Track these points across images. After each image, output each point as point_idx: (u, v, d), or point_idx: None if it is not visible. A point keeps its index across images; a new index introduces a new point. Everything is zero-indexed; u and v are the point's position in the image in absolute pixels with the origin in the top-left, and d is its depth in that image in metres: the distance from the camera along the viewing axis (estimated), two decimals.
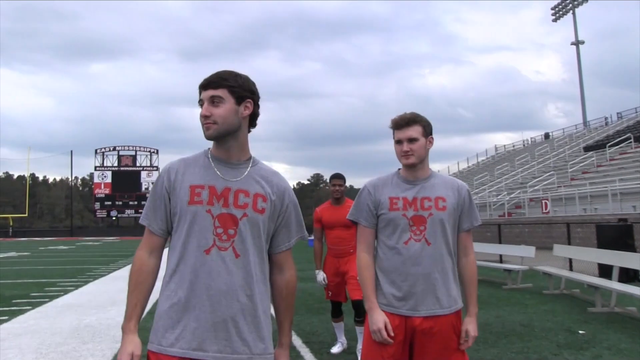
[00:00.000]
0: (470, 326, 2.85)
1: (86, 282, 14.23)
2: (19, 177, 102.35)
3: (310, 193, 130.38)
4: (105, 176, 71.01)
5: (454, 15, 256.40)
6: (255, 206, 2.20)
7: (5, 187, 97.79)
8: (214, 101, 2.17)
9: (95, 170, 71.98)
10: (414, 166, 2.91)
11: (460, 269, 2.96)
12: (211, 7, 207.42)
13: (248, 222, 2.17)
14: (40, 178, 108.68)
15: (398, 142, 2.91)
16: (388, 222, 2.91)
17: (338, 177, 6.00)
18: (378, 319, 2.82)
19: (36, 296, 11.25)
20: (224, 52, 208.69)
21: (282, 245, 2.34)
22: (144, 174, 71.03)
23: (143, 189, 69.74)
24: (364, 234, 3.01)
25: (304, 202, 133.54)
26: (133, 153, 73.02)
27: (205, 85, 2.21)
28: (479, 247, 13.93)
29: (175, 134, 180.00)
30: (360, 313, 5.59)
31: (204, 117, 2.17)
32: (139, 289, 2.17)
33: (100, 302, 10.35)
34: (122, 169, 71.59)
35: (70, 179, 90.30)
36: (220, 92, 2.18)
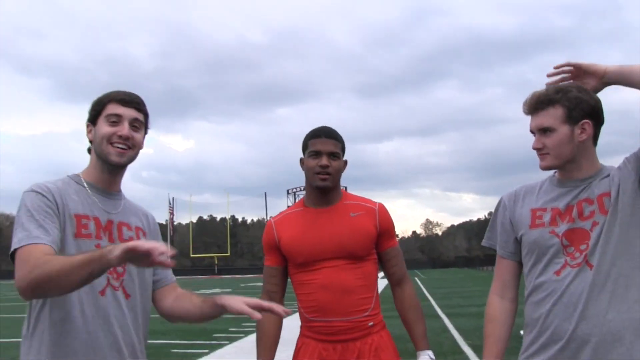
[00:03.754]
0: None
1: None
2: (221, 219, 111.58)
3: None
4: None
5: None
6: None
7: (210, 229, 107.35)
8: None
9: None
10: (553, 168, 2.02)
11: None
12: (384, 42, 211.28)
13: None
14: (240, 219, 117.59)
15: (532, 132, 2.02)
16: (533, 247, 2.00)
17: (327, 136, 2.43)
18: None
19: (234, 331, 11.62)
20: (401, 85, 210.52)
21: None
22: None
23: None
24: (504, 268, 2.13)
25: None
26: None
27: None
28: None
29: (360, 170, 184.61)
30: None
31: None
32: None
33: (290, 338, 10.39)
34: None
35: (265, 219, 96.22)
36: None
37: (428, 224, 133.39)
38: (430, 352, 2.37)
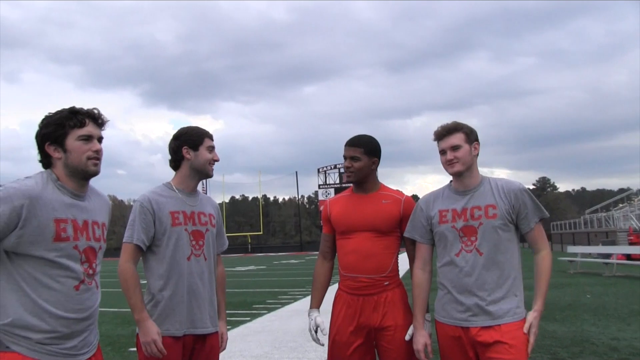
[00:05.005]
0: (532, 322, 2.77)
1: None
2: (253, 198, 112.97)
3: (537, 198, 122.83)
4: (328, 193, 74.74)
5: None
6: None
7: (242, 209, 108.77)
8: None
9: (319, 188, 76.29)
10: (460, 174, 2.88)
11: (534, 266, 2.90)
12: (410, 15, 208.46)
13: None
14: (271, 198, 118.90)
15: (442, 152, 2.90)
16: (440, 236, 2.93)
17: (350, 145, 3.23)
18: (419, 340, 2.95)
19: (271, 302, 12.67)
20: (429, 59, 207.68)
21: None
22: None
23: None
24: (420, 249, 3.05)
25: None
26: None
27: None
28: None
29: (390, 147, 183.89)
30: None
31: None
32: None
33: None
34: (344, 185, 74.64)
35: (297, 198, 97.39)
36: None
37: None
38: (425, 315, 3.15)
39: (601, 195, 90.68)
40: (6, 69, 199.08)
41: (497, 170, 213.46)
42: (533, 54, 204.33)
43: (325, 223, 3.36)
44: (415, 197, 3.35)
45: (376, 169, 3.25)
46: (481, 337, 2.73)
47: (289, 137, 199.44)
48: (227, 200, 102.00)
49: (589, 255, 21.50)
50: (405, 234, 3.09)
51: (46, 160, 2.31)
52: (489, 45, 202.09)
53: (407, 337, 3.01)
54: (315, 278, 3.39)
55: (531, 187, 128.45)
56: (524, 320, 2.77)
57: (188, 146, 2.96)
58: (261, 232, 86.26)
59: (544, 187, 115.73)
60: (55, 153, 2.28)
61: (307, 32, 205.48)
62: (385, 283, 3.12)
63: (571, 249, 23.46)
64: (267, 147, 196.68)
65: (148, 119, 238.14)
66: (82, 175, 2.32)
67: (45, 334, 2.13)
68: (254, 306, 12.04)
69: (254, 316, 10.46)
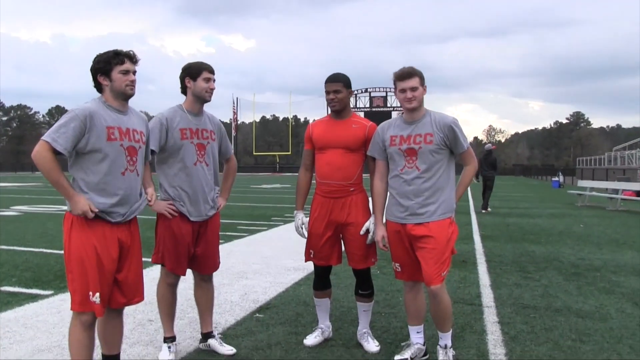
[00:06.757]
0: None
1: None
2: (284, 119, 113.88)
3: (569, 133, 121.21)
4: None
5: None
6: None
7: (272, 128, 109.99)
8: None
9: None
10: (414, 109, 3.72)
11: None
12: None
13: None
14: (302, 119, 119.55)
15: (402, 90, 3.70)
16: (390, 156, 3.83)
17: (332, 80, 4.10)
18: (378, 233, 3.89)
19: (288, 216, 13.83)
20: None
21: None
22: (394, 114, 72.38)
23: None
24: (378, 165, 3.94)
25: (563, 143, 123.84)
26: (384, 94, 76.01)
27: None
28: None
29: (425, 73, 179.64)
30: (365, 285, 4.24)
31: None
32: None
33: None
34: (374, 109, 75.09)
35: None
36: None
37: (491, 130, 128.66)
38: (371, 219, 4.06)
39: (636, 133, 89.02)
40: None
41: (531, 102, 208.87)
42: None
43: (307, 142, 4.32)
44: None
45: (349, 100, 4.18)
46: (414, 231, 3.71)
47: (321, 58, 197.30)
48: (257, 120, 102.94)
49: (605, 190, 21.95)
50: (368, 153, 4.01)
51: (98, 86, 3.26)
52: None
53: (361, 232, 4.02)
54: (299, 185, 4.37)
55: (564, 121, 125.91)
56: (447, 219, 3.73)
57: (189, 77, 3.89)
58: (289, 153, 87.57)
59: (577, 122, 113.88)
60: (104, 81, 3.22)
61: None
62: (351, 189, 4.08)
63: (582, 183, 24.00)
64: (299, 68, 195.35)
65: (179, 34, 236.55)
66: (123, 97, 3.25)
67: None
68: (272, 219, 13.28)
69: (271, 226, 11.69)
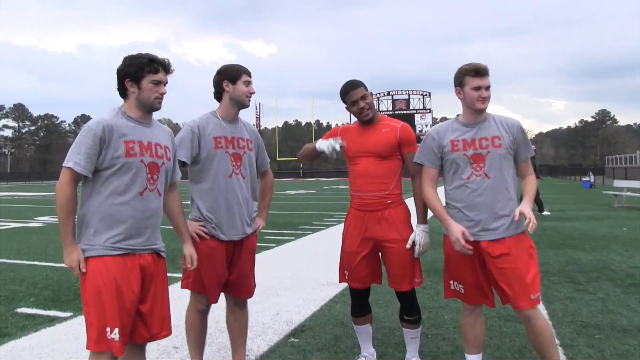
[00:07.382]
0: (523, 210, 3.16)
1: None
2: (306, 123, 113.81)
3: (595, 131, 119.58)
4: None
5: None
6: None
7: (295, 133, 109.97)
8: None
9: None
10: (482, 111, 3.31)
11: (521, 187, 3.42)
12: None
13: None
14: (324, 124, 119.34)
15: (476, 88, 3.26)
16: (452, 163, 3.36)
17: (354, 87, 3.74)
18: (456, 230, 3.24)
19: (317, 224, 13.45)
20: None
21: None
22: (417, 117, 72.63)
23: (417, 131, 71.51)
24: (428, 172, 3.47)
25: (589, 141, 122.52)
26: (406, 97, 75.05)
27: None
28: None
29: (444, 74, 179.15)
30: (412, 310, 3.74)
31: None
32: None
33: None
34: (396, 112, 73.92)
35: (349, 124, 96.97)
36: None
37: None
38: (423, 227, 3.66)
39: None
40: None
41: (554, 101, 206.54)
42: None
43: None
44: None
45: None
46: (489, 249, 3.26)
47: (342, 62, 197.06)
48: (280, 125, 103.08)
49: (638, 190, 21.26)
50: (415, 159, 3.53)
51: (122, 91, 2.90)
52: None
53: (407, 246, 3.58)
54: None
55: (590, 119, 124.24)
56: (523, 232, 3.29)
57: (228, 80, 3.50)
58: None
59: (603, 120, 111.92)
60: (131, 88, 2.87)
61: None
62: (388, 201, 3.66)
63: (617, 183, 23.21)
64: (321, 72, 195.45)
65: (200, 41, 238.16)
66: (148, 109, 2.92)
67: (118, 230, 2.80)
68: (300, 227, 12.86)
69: (298, 236, 11.27)
